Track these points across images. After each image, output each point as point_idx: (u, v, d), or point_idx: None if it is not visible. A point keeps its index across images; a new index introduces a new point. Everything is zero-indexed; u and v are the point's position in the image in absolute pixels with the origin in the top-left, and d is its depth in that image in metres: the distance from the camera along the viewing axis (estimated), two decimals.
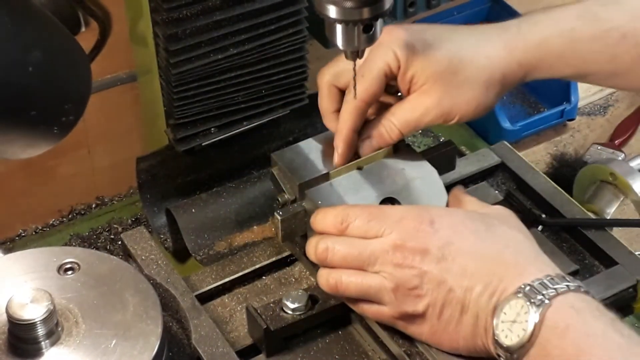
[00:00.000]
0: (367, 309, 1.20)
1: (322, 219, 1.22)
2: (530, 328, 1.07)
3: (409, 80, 1.27)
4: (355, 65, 1.23)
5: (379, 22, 1.18)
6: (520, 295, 1.09)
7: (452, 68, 1.26)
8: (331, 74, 1.31)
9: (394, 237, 1.16)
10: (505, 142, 1.52)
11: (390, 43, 1.26)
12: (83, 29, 1.59)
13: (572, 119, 1.96)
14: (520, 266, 1.13)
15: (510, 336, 1.09)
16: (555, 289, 1.09)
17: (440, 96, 1.26)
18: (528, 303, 1.08)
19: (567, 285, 1.10)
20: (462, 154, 1.58)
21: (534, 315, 1.07)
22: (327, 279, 1.20)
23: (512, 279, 1.12)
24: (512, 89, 1.36)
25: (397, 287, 1.16)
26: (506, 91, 1.31)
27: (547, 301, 1.08)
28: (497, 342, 1.10)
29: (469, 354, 1.16)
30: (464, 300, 1.14)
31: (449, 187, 1.34)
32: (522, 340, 1.07)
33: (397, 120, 1.29)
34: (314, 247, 1.21)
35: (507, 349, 1.09)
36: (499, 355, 1.11)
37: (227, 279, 1.34)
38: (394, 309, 1.17)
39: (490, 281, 1.13)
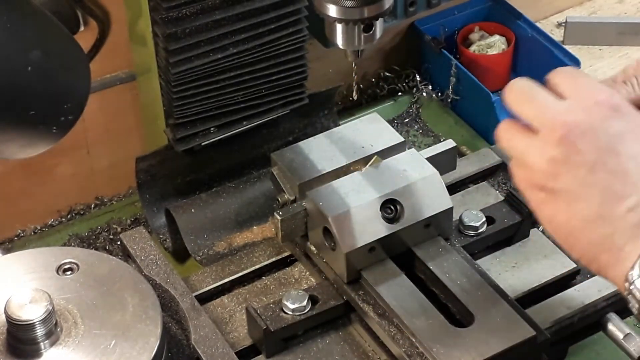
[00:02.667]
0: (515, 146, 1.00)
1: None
2: None
3: None
4: (354, 64, 1.23)
5: (379, 22, 1.18)
6: None
7: None
8: None
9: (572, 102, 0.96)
10: None
11: None
12: (82, 29, 1.59)
13: None
14: None
15: None
16: None
17: None
18: None
19: None
20: (462, 154, 1.58)
21: None
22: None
23: None
24: None
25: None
26: None
27: None
28: (633, 286, 0.90)
29: (577, 257, 0.97)
30: (606, 207, 0.93)
31: (449, 187, 1.33)
32: None
33: None
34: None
35: None
36: (629, 294, 0.91)
37: (226, 280, 1.34)
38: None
39: None
